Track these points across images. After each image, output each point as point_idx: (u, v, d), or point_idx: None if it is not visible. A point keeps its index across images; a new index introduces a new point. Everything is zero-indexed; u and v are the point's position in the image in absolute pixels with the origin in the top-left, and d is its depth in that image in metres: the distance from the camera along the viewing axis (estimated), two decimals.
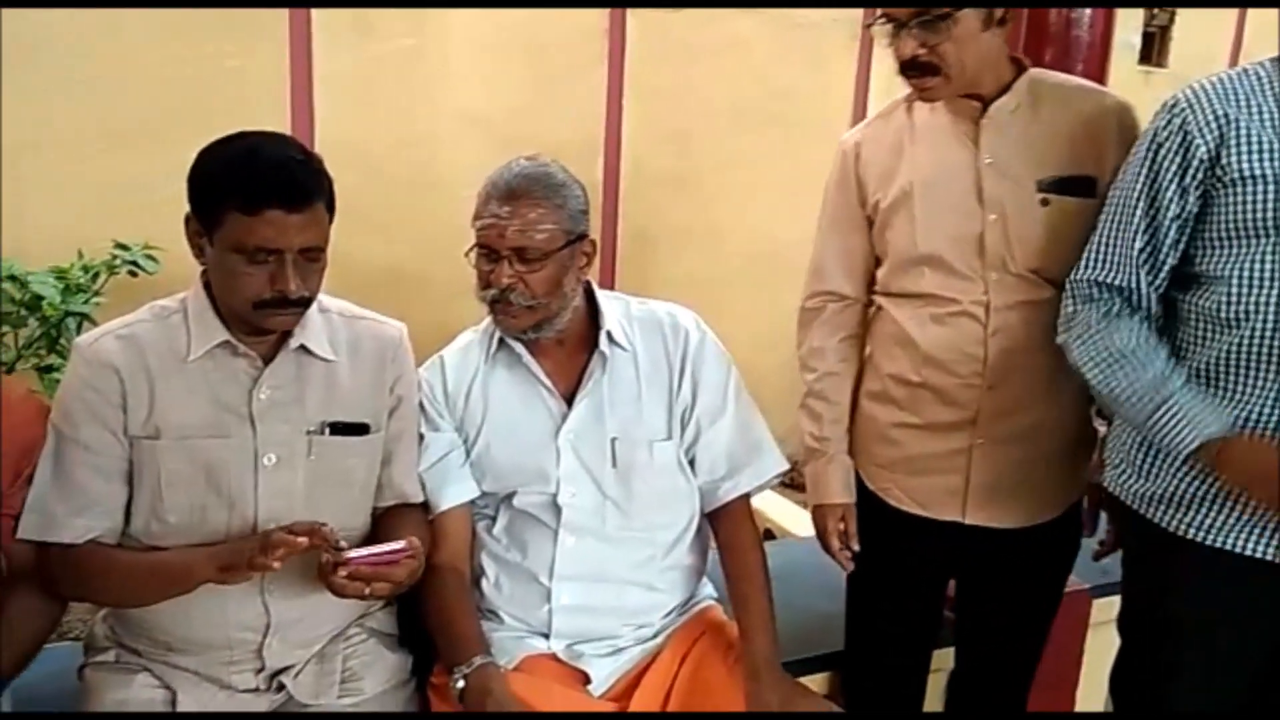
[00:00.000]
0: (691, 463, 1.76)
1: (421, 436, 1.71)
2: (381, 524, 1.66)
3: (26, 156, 2.89)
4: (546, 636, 1.70)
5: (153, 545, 1.54)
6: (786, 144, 4.13)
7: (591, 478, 1.70)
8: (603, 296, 1.76)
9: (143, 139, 2.97)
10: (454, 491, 1.71)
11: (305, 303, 1.51)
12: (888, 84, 4.23)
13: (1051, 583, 1.93)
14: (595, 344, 1.71)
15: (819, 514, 1.90)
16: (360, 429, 1.62)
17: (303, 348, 1.57)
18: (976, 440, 1.77)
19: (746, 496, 1.78)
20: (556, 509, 1.69)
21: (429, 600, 1.66)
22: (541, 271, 1.61)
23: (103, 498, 1.52)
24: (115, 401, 1.51)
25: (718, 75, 3.95)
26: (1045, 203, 1.69)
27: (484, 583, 1.74)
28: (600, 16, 3.65)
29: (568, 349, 1.73)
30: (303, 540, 1.38)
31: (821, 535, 1.91)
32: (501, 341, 1.72)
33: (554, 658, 1.69)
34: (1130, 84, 1.78)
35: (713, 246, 4.06)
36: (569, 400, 1.71)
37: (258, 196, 1.41)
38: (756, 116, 4.05)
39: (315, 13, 3.19)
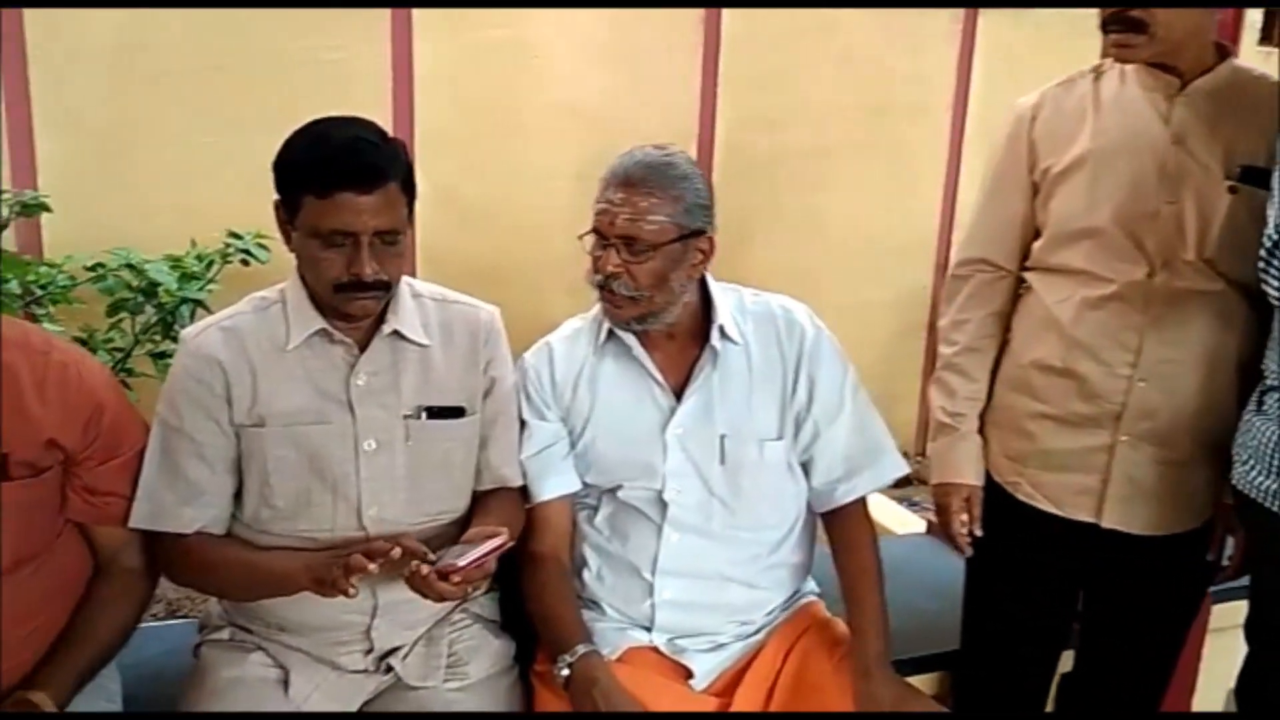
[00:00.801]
0: (808, 464, 1.71)
1: (524, 423, 1.70)
2: (478, 506, 1.67)
3: (140, 145, 2.98)
4: (648, 629, 1.69)
5: (263, 530, 1.58)
6: (884, 131, 4.05)
7: (699, 474, 1.67)
8: (716, 288, 1.71)
9: (249, 130, 3.04)
10: (555, 483, 1.70)
11: (384, 286, 1.51)
12: (990, 69, 4.11)
13: (1187, 598, 1.83)
14: (707, 337, 1.67)
15: (943, 493, 1.83)
16: (456, 412, 1.63)
17: (396, 333, 1.59)
18: (1120, 437, 1.68)
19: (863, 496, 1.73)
20: (662, 505, 1.67)
21: (530, 588, 1.67)
22: (648, 264, 1.58)
23: (208, 487, 1.55)
24: (219, 393, 1.54)
25: (814, 61, 3.88)
26: (1233, 190, 1.60)
27: (586, 573, 1.73)
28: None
29: (679, 342, 1.70)
30: (373, 566, 1.39)
31: (943, 515, 1.84)
32: (611, 331, 1.69)
33: (656, 650, 1.68)
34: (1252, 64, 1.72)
35: (808, 236, 4.00)
36: (678, 394, 1.68)
37: (329, 179, 1.43)
38: (853, 103, 3.97)
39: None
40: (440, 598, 1.42)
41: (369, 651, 1.61)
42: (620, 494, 1.69)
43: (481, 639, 1.67)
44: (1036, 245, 1.76)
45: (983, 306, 1.81)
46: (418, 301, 1.64)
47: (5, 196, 2.42)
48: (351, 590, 1.39)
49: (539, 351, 1.74)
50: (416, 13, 3.26)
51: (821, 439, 1.69)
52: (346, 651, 1.60)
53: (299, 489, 1.55)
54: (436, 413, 1.61)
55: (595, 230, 1.60)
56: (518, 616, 1.73)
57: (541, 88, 3.50)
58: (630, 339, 1.68)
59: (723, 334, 1.67)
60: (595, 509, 1.73)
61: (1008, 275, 1.81)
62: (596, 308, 1.71)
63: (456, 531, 1.61)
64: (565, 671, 1.54)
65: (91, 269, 2.56)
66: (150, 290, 2.48)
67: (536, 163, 3.51)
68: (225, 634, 1.65)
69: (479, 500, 1.68)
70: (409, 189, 1.51)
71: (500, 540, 1.45)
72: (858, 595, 1.66)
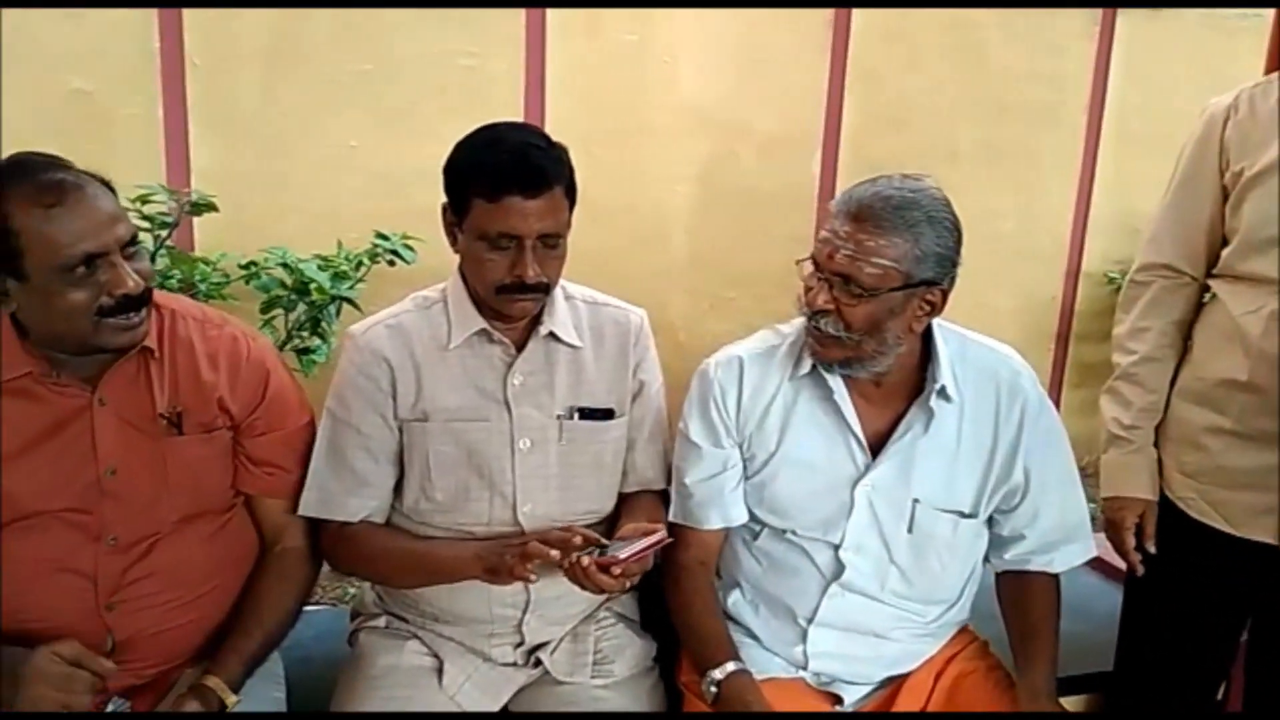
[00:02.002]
0: (1010, 540, 1.64)
1: (694, 444, 1.62)
2: (623, 507, 1.69)
3: (287, 148, 3.10)
4: (796, 667, 1.65)
5: (422, 521, 1.63)
6: (1015, 134, 3.95)
7: (881, 537, 1.57)
8: (940, 336, 1.55)
9: (392, 134, 3.14)
10: (722, 515, 1.62)
11: (544, 289, 1.55)
12: (1129, 70, 3.95)
13: None
14: (918, 390, 1.55)
15: (1115, 507, 1.74)
16: (606, 414, 1.65)
17: (551, 334, 1.62)
18: None
19: None
20: (836, 561, 1.58)
21: (677, 598, 1.64)
22: (862, 308, 1.44)
23: (373, 479, 1.61)
24: (386, 388, 1.60)
25: (945, 62, 3.80)
26: None
27: (737, 595, 1.68)
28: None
29: (885, 391, 1.57)
30: (555, 553, 1.42)
31: (1115, 531, 1.75)
32: (813, 364, 1.55)
33: (803, 681, 1.65)
34: None
35: None
36: (875, 448, 1.56)
37: (498, 183, 1.46)
38: (984, 104, 3.88)
39: (550, 11, 3.29)
40: (599, 590, 1.44)
41: (519, 645, 1.65)
42: (790, 536, 1.61)
43: (625, 638, 1.70)
44: (1225, 252, 1.68)
45: (1164, 315, 1.74)
46: (570, 303, 1.68)
47: (176, 197, 2.55)
48: (533, 576, 1.43)
49: (728, 366, 1.62)
50: (550, 20, 3.31)
51: (1037, 522, 1.60)
52: (498, 644, 1.64)
53: (458, 483, 1.60)
54: (588, 414, 1.64)
55: (813, 259, 1.49)
56: (656, 616, 1.74)
57: (669, 90, 3.52)
58: (836, 381, 1.54)
59: (941, 393, 1.53)
60: (756, 534, 1.66)
61: (1191, 283, 1.73)
62: (797, 324, 1.60)
63: (604, 530, 1.64)
64: (714, 689, 1.51)
65: (245, 267, 2.67)
66: (303, 288, 2.57)
67: (661, 165, 3.53)
68: (381, 622, 1.70)
69: (622, 500, 1.71)
70: (571, 193, 1.55)
71: (659, 536, 1.46)
72: (1036, 629, 1.61)
